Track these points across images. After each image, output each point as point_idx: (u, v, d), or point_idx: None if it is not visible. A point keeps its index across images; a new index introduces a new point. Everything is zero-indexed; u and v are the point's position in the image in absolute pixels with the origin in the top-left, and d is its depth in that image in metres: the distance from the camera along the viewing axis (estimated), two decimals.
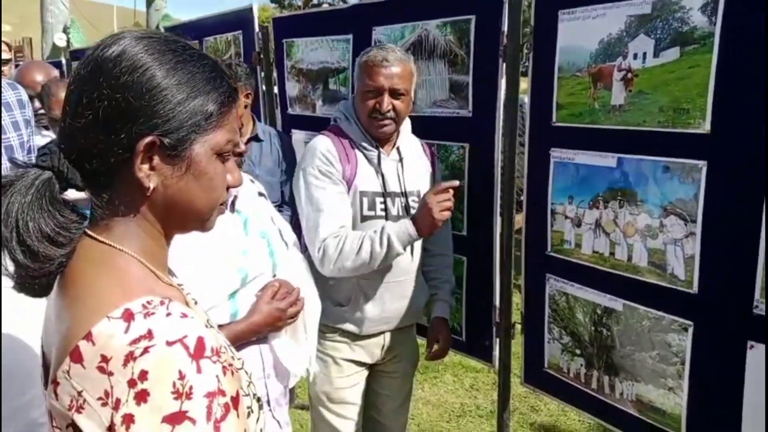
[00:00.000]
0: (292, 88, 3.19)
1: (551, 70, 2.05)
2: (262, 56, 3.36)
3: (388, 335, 2.26)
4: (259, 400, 0.95)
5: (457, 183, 1.96)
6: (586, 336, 2.11)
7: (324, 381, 2.23)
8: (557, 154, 2.09)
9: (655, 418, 1.93)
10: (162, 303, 0.77)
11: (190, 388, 0.72)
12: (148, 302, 0.76)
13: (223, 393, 0.75)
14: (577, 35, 1.96)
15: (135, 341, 0.72)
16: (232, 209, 1.69)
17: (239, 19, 3.48)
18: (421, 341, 2.44)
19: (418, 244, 2.19)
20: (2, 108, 2.19)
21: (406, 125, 2.21)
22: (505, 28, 2.19)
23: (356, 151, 2.10)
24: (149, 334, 0.73)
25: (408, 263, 2.16)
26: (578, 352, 2.14)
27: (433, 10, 2.40)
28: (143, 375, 0.71)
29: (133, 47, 0.80)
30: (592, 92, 1.95)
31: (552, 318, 2.23)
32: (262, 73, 3.39)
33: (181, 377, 0.72)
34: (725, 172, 1.66)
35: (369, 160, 2.11)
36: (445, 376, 3.95)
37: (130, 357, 0.71)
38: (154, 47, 0.81)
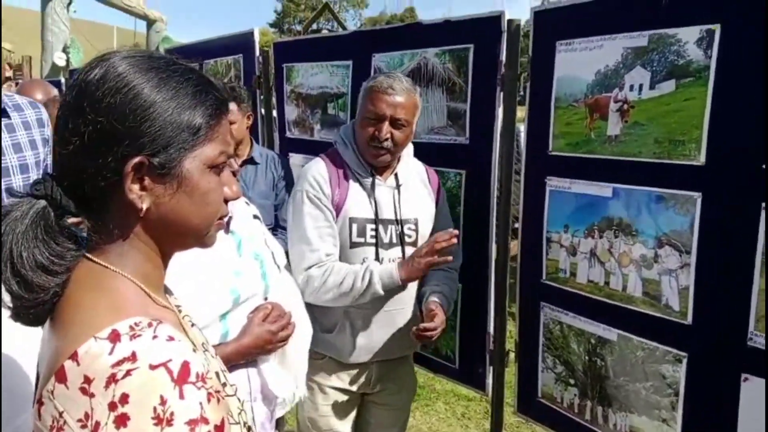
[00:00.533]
0: (291, 112, 3.21)
1: (548, 100, 2.08)
2: (262, 80, 3.38)
3: (378, 365, 2.19)
4: (249, 429, 0.92)
5: (456, 233, 1.94)
6: (580, 366, 2.10)
7: (310, 408, 2.19)
8: (553, 182, 2.10)
9: None
10: (150, 325, 0.75)
11: (171, 414, 0.70)
12: (135, 324, 0.75)
13: (206, 421, 0.73)
14: (575, 66, 1.99)
15: (118, 363, 0.71)
16: (227, 230, 1.68)
17: (240, 43, 3.52)
18: (418, 369, 2.41)
19: None
20: (21, 126, 2.21)
21: (407, 150, 2.17)
22: (503, 57, 2.22)
23: (350, 176, 2.07)
24: (133, 357, 0.71)
25: (400, 293, 2.10)
26: (572, 381, 2.13)
27: (432, 39, 2.44)
28: (124, 398, 0.69)
29: (116, 68, 0.79)
30: (589, 122, 1.97)
31: (546, 347, 2.22)
32: (262, 97, 3.41)
33: (163, 402, 0.70)
34: (720, 203, 1.67)
35: (363, 186, 2.08)
36: (437, 405, 3.91)
37: (112, 379, 0.70)
38: (137, 66, 0.80)
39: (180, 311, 0.93)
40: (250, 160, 2.92)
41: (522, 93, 2.23)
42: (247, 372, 1.62)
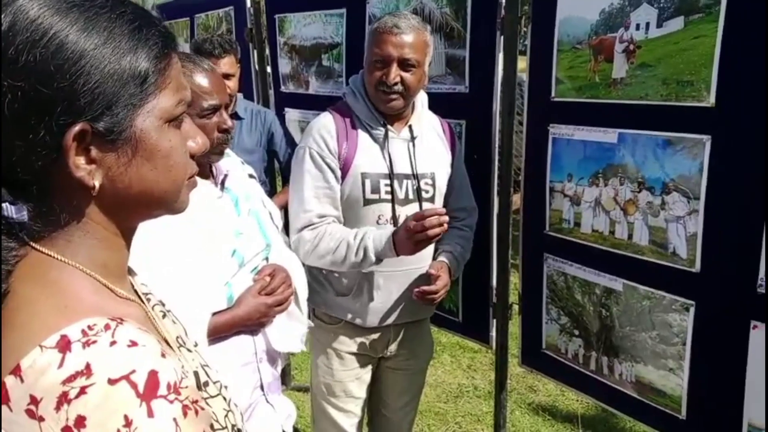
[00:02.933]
0: (285, 66, 3.11)
1: (550, 43, 1.99)
2: (254, 32, 3.28)
3: (396, 328, 2.10)
4: (238, 431, 0.83)
5: (443, 211, 1.74)
6: (584, 316, 2.06)
7: (326, 373, 2.12)
8: (556, 130, 2.03)
9: (655, 400, 1.89)
10: (107, 327, 0.62)
11: None
12: (89, 327, 0.62)
13: None
14: (578, 5, 1.89)
15: (70, 379, 0.58)
16: (222, 188, 1.64)
17: None
18: (433, 328, 2.36)
19: None
20: None
21: (422, 100, 2.05)
22: None
23: (360, 128, 1.95)
24: (87, 370, 0.59)
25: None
26: (576, 332, 2.10)
27: None
28: (80, 422, 0.57)
29: (26, 12, 0.61)
30: (593, 65, 1.88)
31: (550, 298, 2.18)
32: (255, 51, 3.31)
33: (128, 424, 0.58)
34: (730, 147, 1.60)
35: (375, 139, 1.95)
36: (443, 357, 3.93)
37: (63, 398, 0.58)
38: (54, 6, 0.62)
39: (149, 299, 0.81)
40: (234, 115, 2.83)
41: (525, 43, 2.13)
42: (251, 335, 1.60)
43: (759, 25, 1.50)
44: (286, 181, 2.92)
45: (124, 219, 0.72)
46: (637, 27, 1.75)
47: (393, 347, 2.13)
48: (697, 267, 1.71)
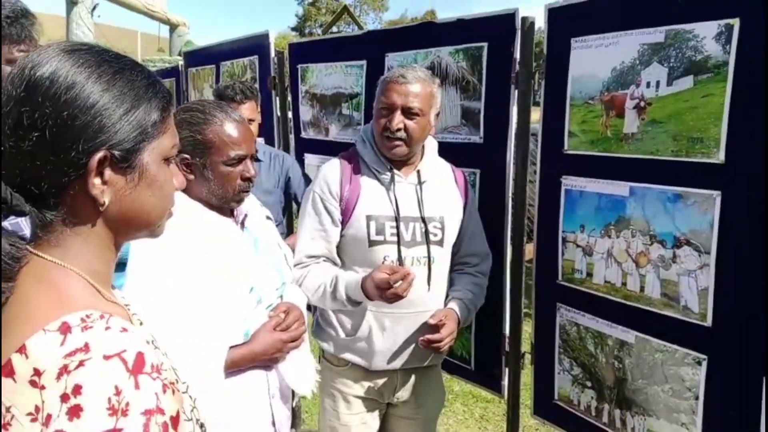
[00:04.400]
0: (306, 113, 3.21)
1: (563, 98, 2.05)
2: (277, 81, 3.39)
3: (404, 374, 2.09)
4: (202, 426, 0.92)
5: (407, 272, 1.81)
6: (597, 368, 2.06)
7: (332, 416, 2.12)
8: (569, 182, 2.07)
9: None
10: (102, 317, 0.75)
11: (127, 404, 0.69)
12: (87, 316, 0.74)
13: (162, 411, 0.72)
14: (590, 63, 1.95)
15: (70, 354, 0.70)
16: (242, 227, 1.69)
17: (256, 45, 3.53)
18: (445, 376, 2.34)
19: (437, 273, 2.03)
20: None
21: (431, 147, 2.10)
22: (518, 55, 2.19)
23: (365, 172, 2.02)
24: (86, 347, 0.70)
25: (424, 295, 2.00)
26: (589, 384, 2.09)
27: (446, 37, 2.42)
28: (77, 389, 0.68)
29: (65, 62, 0.78)
30: (605, 120, 1.93)
31: (562, 348, 2.18)
32: (277, 98, 3.41)
33: (118, 393, 0.69)
34: (740, 202, 1.62)
35: (381, 183, 2.01)
36: (455, 405, 3.88)
37: (64, 370, 0.69)
38: (88, 60, 0.79)
39: (128, 309, 0.92)
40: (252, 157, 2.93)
41: (539, 93, 2.20)
42: (265, 371, 1.63)
43: (766, 84, 1.54)
44: None
45: (119, 235, 0.86)
46: (648, 85, 1.81)
47: (401, 393, 2.12)
48: (709, 321, 1.71)
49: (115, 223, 0.83)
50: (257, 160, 2.92)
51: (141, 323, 0.95)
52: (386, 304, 1.88)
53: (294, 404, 3.48)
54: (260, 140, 3.03)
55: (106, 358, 0.70)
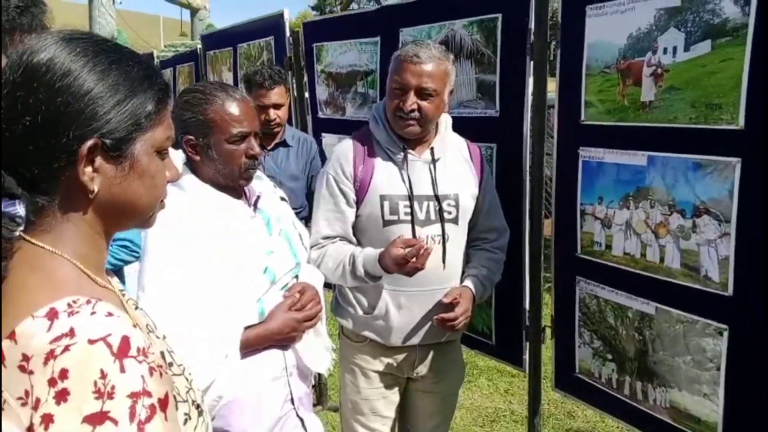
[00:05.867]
0: (322, 92, 3.21)
1: (579, 68, 2.01)
2: (293, 61, 3.39)
3: (422, 349, 2.10)
4: (198, 407, 0.93)
5: (421, 246, 1.81)
6: (617, 340, 2.04)
7: (353, 391, 2.15)
8: (586, 153, 2.04)
9: (690, 426, 1.85)
10: (88, 302, 0.76)
11: (113, 387, 0.70)
12: (73, 301, 0.75)
13: (148, 394, 0.73)
14: (606, 30, 1.91)
15: (56, 339, 0.71)
16: (255, 208, 1.71)
17: (271, 25, 3.53)
18: (466, 351, 2.35)
19: (453, 251, 2.03)
20: None
21: (445, 123, 2.08)
22: (532, 25, 2.15)
23: (378, 152, 2.01)
24: (71, 332, 0.72)
25: (440, 273, 2.00)
26: (610, 357, 2.08)
27: (459, 10, 2.38)
28: (63, 374, 0.69)
29: (62, 50, 0.79)
30: (622, 89, 1.89)
31: (583, 322, 2.17)
32: (294, 78, 3.42)
33: (103, 376, 0.70)
34: (760, 169, 1.58)
35: (394, 162, 2.00)
36: (480, 380, 3.90)
37: (50, 355, 0.70)
38: (85, 49, 0.80)
39: (124, 295, 0.93)
40: (283, 143, 2.93)
41: (552, 59, 2.16)
42: (281, 350, 1.65)
43: None
44: None
45: (109, 223, 0.86)
46: (665, 51, 1.76)
47: (420, 369, 2.13)
48: (730, 291, 1.68)
49: (105, 211, 0.84)
50: (286, 145, 2.93)
51: (136, 308, 0.97)
52: (402, 282, 1.90)
53: (320, 381, 3.55)
54: (289, 127, 3.04)
55: (91, 342, 0.71)
